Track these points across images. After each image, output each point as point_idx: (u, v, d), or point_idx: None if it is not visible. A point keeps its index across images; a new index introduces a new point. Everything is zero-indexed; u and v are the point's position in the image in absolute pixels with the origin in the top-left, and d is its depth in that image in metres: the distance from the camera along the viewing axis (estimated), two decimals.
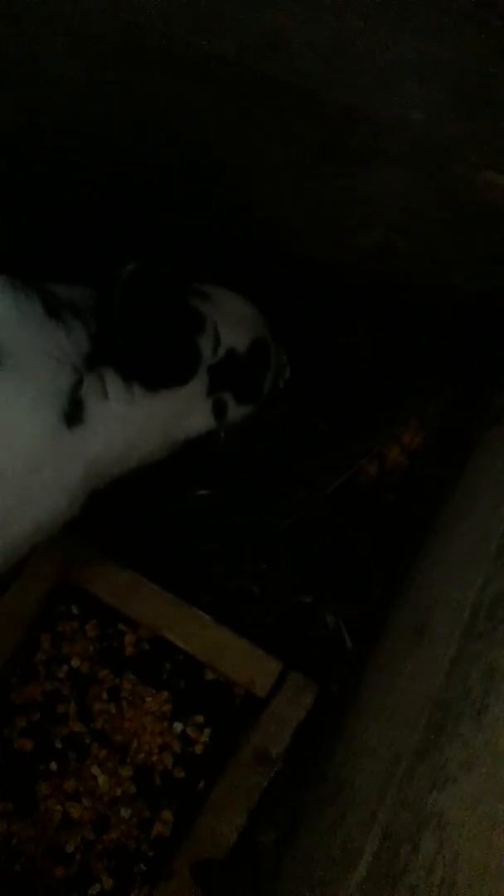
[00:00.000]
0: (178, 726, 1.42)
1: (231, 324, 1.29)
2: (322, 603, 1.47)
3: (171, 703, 1.42)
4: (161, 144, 1.30)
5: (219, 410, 1.31)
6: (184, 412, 1.27)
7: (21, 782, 1.39)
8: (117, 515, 1.44)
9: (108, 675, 1.43)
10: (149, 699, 1.42)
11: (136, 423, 1.20)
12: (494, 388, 1.38)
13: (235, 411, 1.33)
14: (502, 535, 1.10)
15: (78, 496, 1.19)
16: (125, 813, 1.40)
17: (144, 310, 1.09)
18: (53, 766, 1.40)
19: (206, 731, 1.42)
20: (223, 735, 1.41)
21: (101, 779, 1.40)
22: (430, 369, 1.48)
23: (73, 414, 1.12)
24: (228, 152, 1.28)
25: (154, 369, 1.18)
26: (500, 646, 0.93)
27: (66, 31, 1.19)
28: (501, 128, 1.13)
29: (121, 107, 1.27)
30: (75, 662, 1.43)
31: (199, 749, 1.41)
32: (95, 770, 1.40)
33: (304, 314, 1.49)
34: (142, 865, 1.38)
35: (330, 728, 1.35)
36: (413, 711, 1.08)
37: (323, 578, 1.47)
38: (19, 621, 1.39)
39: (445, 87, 1.10)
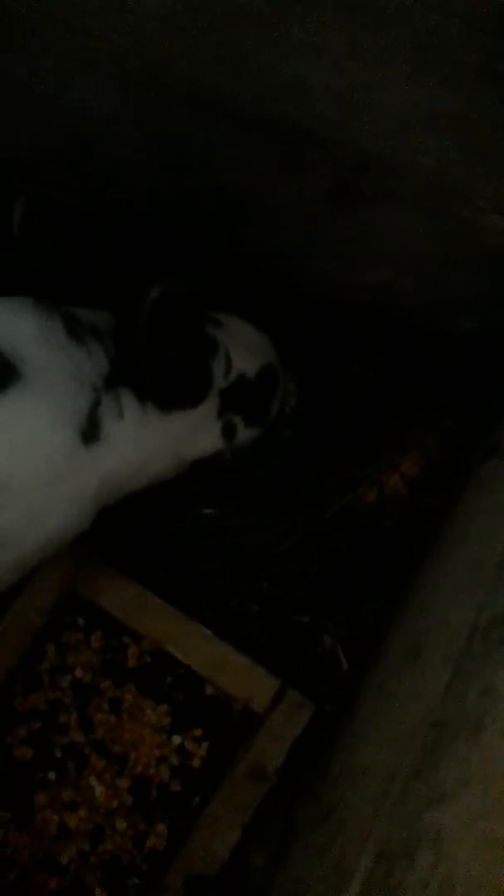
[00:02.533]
0: (176, 739, 1.45)
1: (242, 350, 1.34)
2: (320, 624, 1.51)
3: (170, 716, 1.45)
4: (181, 177, 1.36)
5: (228, 432, 1.36)
6: (194, 433, 1.31)
7: (19, 791, 1.42)
8: (125, 530, 1.48)
9: (110, 686, 1.46)
10: (149, 711, 1.45)
11: (148, 441, 1.24)
12: (490, 423, 1.44)
13: (244, 433, 1.38)
14: (498, 562, 1.15)
15: (90, 511, 1.23)
16: (121, 825, 1.42)
17: (167, 334, 1.14)
18: (52, 775, 1.43)
19: (204, 744, 1.45)
20: (220, 749, 1.44)
21: (99, 790, 1.43)
22: (430, 402, 1.54)
23: (91, 432, 1.16)
24: (245, 188, 1.34)
25: (169, 391, 1.23)
26: (497, 667, 0.98)
27: (97, 68, 1.25)
28: None
29: (144, 140, 1.32)
30: (78, 673, 1.46)
31: (196, 763, 1.44)
32: (93, 781, 1.43)
33: (313, 344, 1.55)
34: (135, 879, 1.40)
35: (324, 747, 1.39)
36: (409, 731, 1.12)
37: (321, 600, 1.51)
38: (26, 630, 1.42)
39: (456, 136, 1.16)
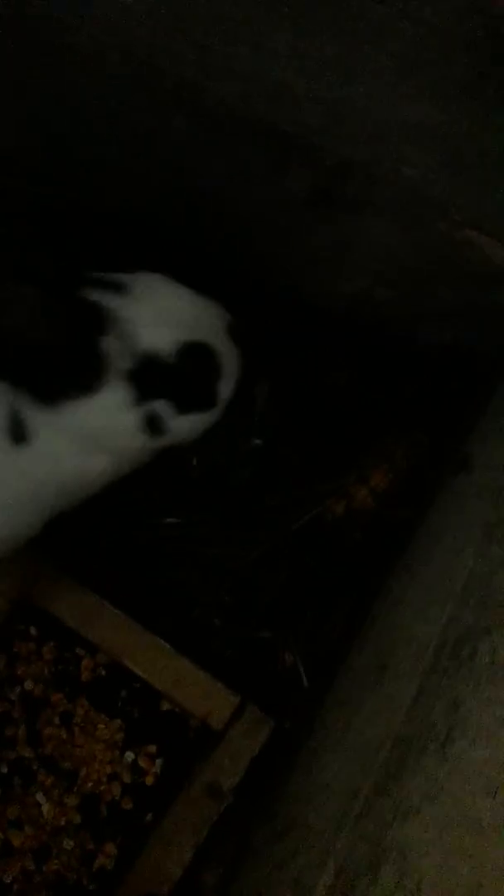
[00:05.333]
0: (129, 756, 1.39)
1: (155, 322, 1.11)
2: (281, 639, 1.48)
3: (123, 732, 1.40)
4: (160, 174, 1.34)
5: (153, 423, 1.13)
6: (104, 428, 1.11)
7: None
8: (83, 537, 1.43)
9: (62, 699, 1.40)
10: (101, 726, 1.40)
11: (52, 441, 1.10)
12: (461, 437, 1.44)
13: (182, 423, 1.15)
14: (467, 576, 1.13)
15: (29, 518, 1.16)
16: (68, 844, 1.36)
17: (25, 308, 0.99)
18: None
19: (158, 761, 1.40)
20: (175, 767, 1.39)
21: (46, 807, 1.37)
22: (401, 414, 1.53)
23: (17, 433, 1.07)
24: (227, 187, 1.33)
25: (44, 378, 1.05)
26: (465, 681, 0.96)
27: (80, 62, 1.23)
28: (487, 191, 1.21)
29: (125, 136, 1.31)
30: (28, 685, 1.40)
31: (149, 780, 1.39)
32: (40, 797, 1.37)
33: (286, 350, 1.53)
34: None
35: (282, 765, 1.35)
36: (373, 747, 1.10)
37: (285, 614, 1.48)
38: None
39: (439, 149, 1.17)
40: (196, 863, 1.33)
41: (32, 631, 1.43)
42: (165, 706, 1.42)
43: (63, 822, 1.37)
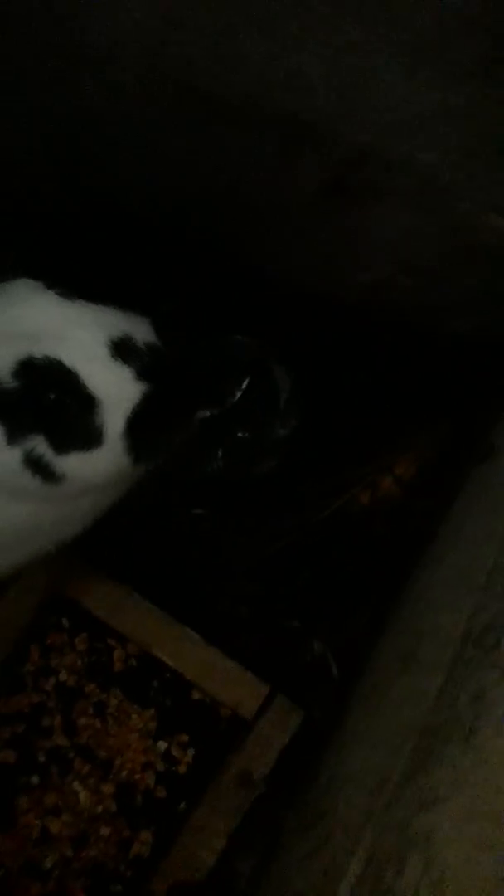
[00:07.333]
0: (162, 745, 1.42)
1: None
2: (310, 629, 1.49)
3: (156, 721, 1.43)
4: (169, 172, 1.34)
5: (37, 465, 0.94)
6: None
7: (1, 795, 1.38)
8: (112, 530, 1.45)
9: (95, 689, 1.43)
10: (134, 716, 1.43)
11: None
12: (486, 426, 1.42)
13: (70, 464, 0.95)
14: (492, 566, 1.13)
15: None
16: (105, 831, 1.39)
17: None
18: (35, 779, 1.40)
19: (191, 750, 1.42)
20: (207, 755, 1.41)
21: (83, 795, 1.40)
22: (425, 404, 1.52)
23: None
24: (237, 182, 1.32)
25: None
26: (490, 671, 0.96)
27: (92, 61, 1.23)
28: None
29: (133, 135, 1.31)
30: (63, 675, 1.43)
31: (182, 769, 1.41)
32: (77, 786, 1.40)
33: (306, 343, 1.52)
34: (119, 885, 1.37)
35: (312, 755, 1.36)
36: (399, 736, 1.10)
37: (312, 604, 1.49)
38: (10, 631, 1.39)
39: (456, 133, 1.15)
40: (229, 851, 1.35)
41: (65, 622, 1.46)
42: (196, 696, 1.44)
43: (100, 810, 1.40)
